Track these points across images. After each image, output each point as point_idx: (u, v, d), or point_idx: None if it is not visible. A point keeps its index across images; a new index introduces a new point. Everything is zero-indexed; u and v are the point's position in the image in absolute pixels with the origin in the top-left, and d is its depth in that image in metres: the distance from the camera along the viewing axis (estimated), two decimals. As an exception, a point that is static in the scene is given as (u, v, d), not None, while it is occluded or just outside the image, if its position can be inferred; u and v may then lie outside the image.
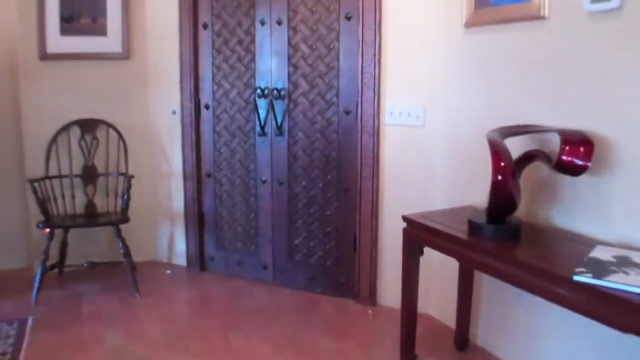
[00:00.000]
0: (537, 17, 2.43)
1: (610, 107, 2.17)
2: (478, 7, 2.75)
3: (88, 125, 3.97)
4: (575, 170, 2.15)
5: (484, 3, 2.72)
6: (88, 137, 3.97)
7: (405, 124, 3.23)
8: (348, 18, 3.33)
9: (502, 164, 2.13)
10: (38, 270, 3.54)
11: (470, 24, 2.81)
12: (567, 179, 2.30)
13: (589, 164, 2.12)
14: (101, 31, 3.98)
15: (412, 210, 2.74)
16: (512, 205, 2.25)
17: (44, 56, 3.88)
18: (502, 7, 2.62)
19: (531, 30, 2.50)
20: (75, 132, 3.96)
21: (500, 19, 2.64)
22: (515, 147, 2.38)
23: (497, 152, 2.15)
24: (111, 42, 4.01)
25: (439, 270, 3.13)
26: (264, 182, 3.77)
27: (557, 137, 2.22)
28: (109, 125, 3.97)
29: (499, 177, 2.14)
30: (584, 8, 2.22)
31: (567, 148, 2.13)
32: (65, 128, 3.91)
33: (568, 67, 2.34)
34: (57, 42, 3.90)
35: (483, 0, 2.72)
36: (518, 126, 2.47)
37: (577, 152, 2.13)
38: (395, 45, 3.21)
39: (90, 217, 3.92)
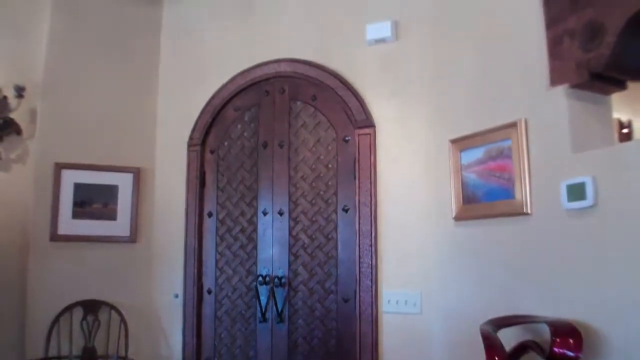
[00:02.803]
0: (521, 213, 2.61)
1: (591, 296, 2.28)
2: (466, 202, 2.95)
3: (91, 306, 4.01)
4: (568, 362, 2.19)
5: (471, 199, 2.92)
6: (90, 318, 3.99)
7: (403, 312, 3.28)
8: (345, 210, 3.54)
9: (496, 358, 2.17)
10: None
11: (459, 217, 2.99)
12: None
13: (580, 355, 2.16)
14: (111, 215, 4.17)
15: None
16: (509, 399, 2.26)
17: (55, 237, 3.99)
18: (488, 203, 2.81)
19: (516, 224, 2.67)
20: (78, 312, 3.98)
21: (487, 214, 2.82)
22: (509, 337, 2.44)
23: (491, 346, 2.19)
24: (120, 226, 4.18)
25: None
26: (263, 368, 3.75)
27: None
28: (111, 307, 4.02)
29: (494, 371, 2.17)
30: (563, 206, 2.41)
31: (557, 340, 2.19)
32: (69, 308, 3.94)
33: (551, 258, 2.48)
34: (69, 224, 4.05)
35: (470, 196, 2.92)
36: (509, 317, 2.54)
37: (568, 344, 2.18)
38: (390, 235, 3.37)
39: (85, 404, 3.83)
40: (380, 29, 3.54)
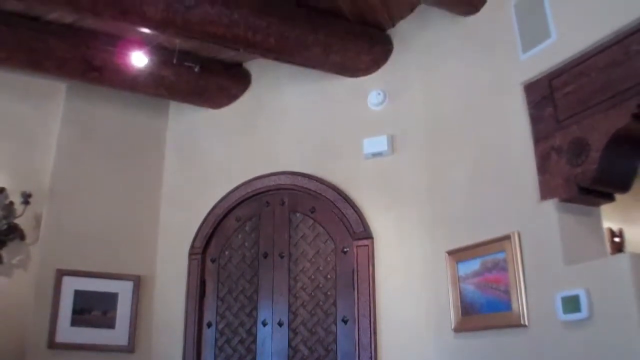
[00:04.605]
0: (518, 325, 2.63)
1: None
2: (464, 314, 2.96)
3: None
4: None
5: (469, 311, 2.94)
6: None
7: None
8: (345, 321, 3.53)
9: None
10: None
11: (459, 329, 3.00)
12: None
13: None
14: (110, 324, 4.12)
15: None
16: None
17: (52, 345, 3.91)
18: (486, 314, 2.84)
19: (514, 336, 2.68)
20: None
21: (485, 326, 2.83)
22: None
23: None
24: (118, 335, 4.12)
25: None
26: None
27: None
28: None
29: None
30: (559, 317, 2.43)
31: None
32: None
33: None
34: (67, 332, 3.98)
35: (469, 308, 2.94)
36: None
37: None
38: (391, 347, 3.34)
39: None
40: (376, 143, 3.68)
